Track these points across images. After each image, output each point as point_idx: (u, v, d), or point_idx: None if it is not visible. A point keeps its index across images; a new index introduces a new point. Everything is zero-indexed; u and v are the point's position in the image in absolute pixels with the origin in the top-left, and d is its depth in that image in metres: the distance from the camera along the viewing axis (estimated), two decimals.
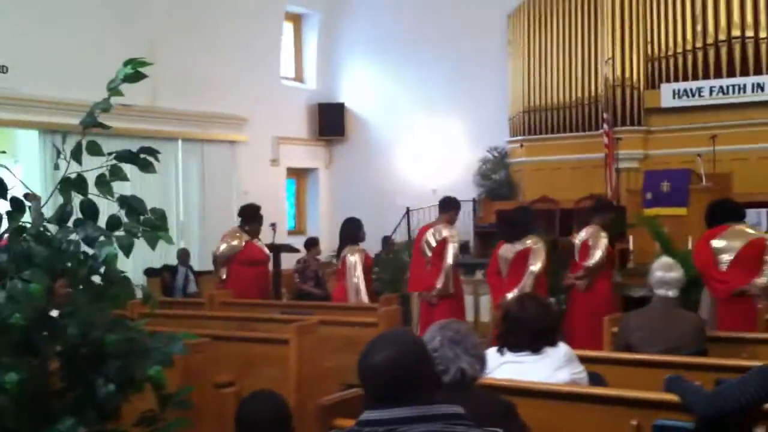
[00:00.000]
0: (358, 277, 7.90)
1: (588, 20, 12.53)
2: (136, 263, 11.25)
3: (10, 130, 10.77)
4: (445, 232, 7.53)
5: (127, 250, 2.04)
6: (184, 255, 11.10)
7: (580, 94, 12.54)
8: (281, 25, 14.09)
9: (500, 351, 3.58)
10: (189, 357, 4.39)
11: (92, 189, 2.32)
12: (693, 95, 11.57)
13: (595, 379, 3.81)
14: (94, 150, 2.14)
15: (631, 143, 11.96)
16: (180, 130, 12.07)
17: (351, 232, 7.94)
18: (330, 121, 14.68)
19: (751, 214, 9.44)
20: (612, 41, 12.14)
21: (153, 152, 2.23)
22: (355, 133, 14.81)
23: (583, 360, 4.17)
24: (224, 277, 8.31)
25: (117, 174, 2.16)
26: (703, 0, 11.60)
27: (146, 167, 2.24)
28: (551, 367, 3.47)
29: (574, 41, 12.66)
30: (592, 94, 12.39)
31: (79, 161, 2.17)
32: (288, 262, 11.43)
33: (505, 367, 3.54)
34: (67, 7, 10.63)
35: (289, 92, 14.33)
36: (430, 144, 13.93)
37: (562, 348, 3.53)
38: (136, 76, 2.17)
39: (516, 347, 3.52)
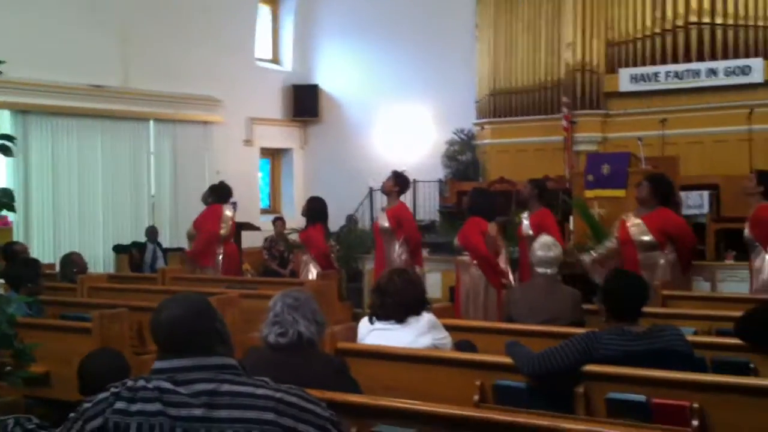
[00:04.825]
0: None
1: (552, 5, 12.78)
2: (106, 240, 11.68)
3: None
4: None
5: None
6: (152, 232, 11.47)
7: (543, 78, 12.83)
8: (256, 8, 14.36)
9: (371, 320, 3.95)
10: (105, 326, 4.81)
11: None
12: (649, 80, 11.86)
13: (465, 346, 4.19)
14: None
15: (591, 126, 12.28)
16: (152, 110, 12.35)
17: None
18: (304, 103, 15.00)
19: (693, 196, 9.83)
20: (573, 26, 12.40)
21: (9, 138, 2.56)
22: (329, 115, 15.14)
23: (466, 330, 4.56)
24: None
25: None
26: None
27: (4, 151, 2.57)
28: (414, 334, 3.84)
29: (538, 25, 12.93)
30: (555, 78, 12.68)
31: None
32: (252, 240, 11.86)
33: (374, 334, 3.92)
34: None
35: (265, 74, 14.63)
36: (401, 125, 14.26)
37: (426, 317, 3.90)
38: None
39: (383, 316, 3.89)
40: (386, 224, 7.89)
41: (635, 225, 6.35)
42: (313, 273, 8.29)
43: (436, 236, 11.58)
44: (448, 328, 4.38)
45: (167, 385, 2.11)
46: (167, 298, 2.28)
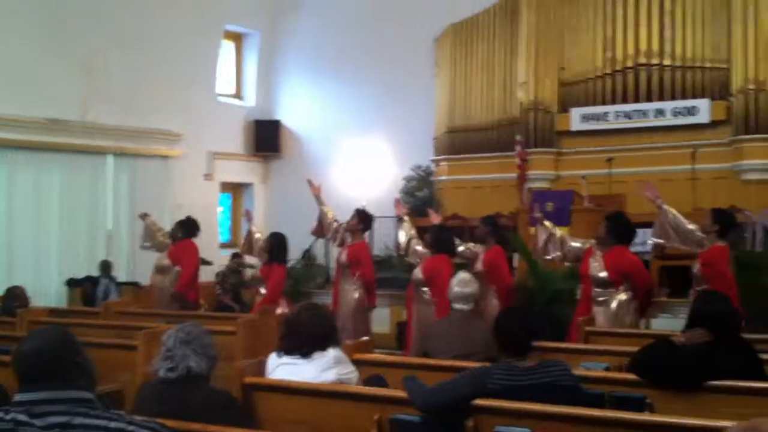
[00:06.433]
0: None
1: (507, 45, 13.09)
2: (61, 274, 11.66)
3: None
4: None
5: None
6: (105, 266, 11.46)
7: (499, 116, 13.07)
8: (219, 44, 14.49)
9: (278, 354, 4.03)
10: None
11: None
12: (600, 119, 12.14)
13: (374, 381, 4.27)
14: None
15: (544, 164, 12.50)
16: (111, 144, 12.37)
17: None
18: (266, 138, 15.14)
19: (638, 234, 10.01)
20: (527, 66, 12.67)
21: None
22: (290, 150, 15.29)
23: (379, 365, 4.64)
24: None
25: None
26: (613, 29, 12.20)
27: None
28: (318, 369, 3.92)
29: (494, 65, 13.22)
30: (510, 116, 12.91)
31: None
32: (206, 274, 11.85)
33: (281, 368, 4.00)
34: (1, 21, 10.95)
35: (227, 109, 14.76)
36: (360, 161, 14.43)
37: (331, 352, 3.98)
38: None
39: (290, 350, 3.98)
40: (344, 260, 8.02)
41: (596, 260, 6.43)
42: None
43: (392, 272, 11.68)
44: (361, 362, 4.48)
45: (23, 417, 2.19)
46: (32, 331, 2.37)
